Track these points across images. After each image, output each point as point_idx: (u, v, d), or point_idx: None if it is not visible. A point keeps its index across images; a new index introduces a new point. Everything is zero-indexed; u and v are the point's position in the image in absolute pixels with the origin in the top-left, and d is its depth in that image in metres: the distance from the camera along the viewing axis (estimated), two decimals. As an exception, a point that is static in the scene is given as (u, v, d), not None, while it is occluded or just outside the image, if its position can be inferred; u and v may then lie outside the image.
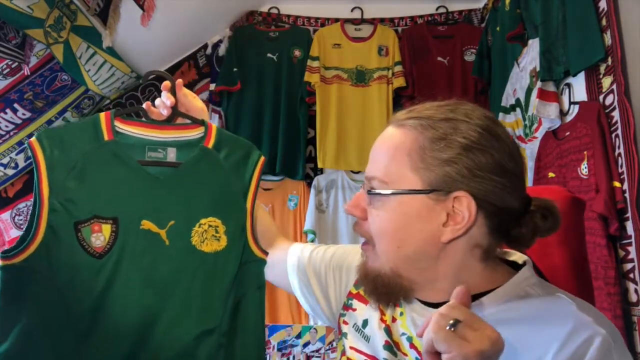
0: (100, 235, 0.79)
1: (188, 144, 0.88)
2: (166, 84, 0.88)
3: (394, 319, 0.73)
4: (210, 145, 0.88)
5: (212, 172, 0.87)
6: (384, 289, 0.69)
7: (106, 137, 0.83)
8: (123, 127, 0.85)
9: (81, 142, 0.81)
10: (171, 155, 0.86)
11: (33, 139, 0.79)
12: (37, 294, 0.76)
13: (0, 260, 0.75)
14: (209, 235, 0.85)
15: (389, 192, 0.66)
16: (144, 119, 0.88)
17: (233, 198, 0.88)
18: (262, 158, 0.92)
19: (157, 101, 0.88)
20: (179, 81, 0.90)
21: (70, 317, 0.77)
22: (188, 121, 0.90)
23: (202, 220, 0.85)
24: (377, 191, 0.67)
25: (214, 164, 0.88)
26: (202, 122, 0.89)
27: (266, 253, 0.90)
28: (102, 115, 0.84)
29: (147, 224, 0.82)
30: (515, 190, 0.66)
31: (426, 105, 0.69)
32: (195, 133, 0.89)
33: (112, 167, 0.82)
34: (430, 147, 0.64)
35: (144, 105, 0.89)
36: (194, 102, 0.93)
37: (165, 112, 0.87)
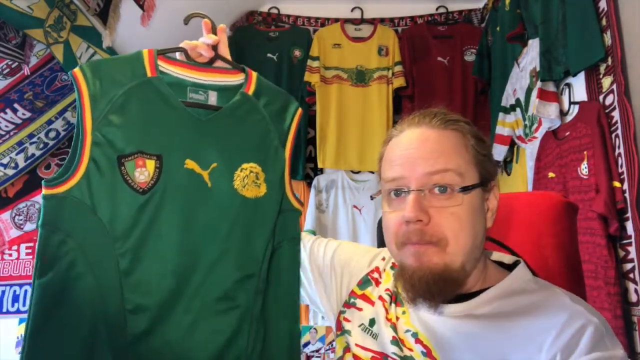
0: (144, 170, 0.78)
1: (228, 88, 0.87)
2: (206, 22, 0.86)
3: (397, 318, 0.75)
4: (251, 92, 0.87)
5: (253, 118, 0.87)
6: (445, 285, 0.68)
7: (149, 74, 0.81)
8: (166, 66, 0.83)
9: (124, 77, 0.80)
10: (212, 98, 0.85)
11: (76, 69, 0.77)
12: (80, 227, 0.75)
13: (44, 189, 0.74)
14: (249, 181, 0.84)
15: (470, 185, 0.69)
16: (185, 59, 0.86)
17: (272, 146, 0.87)
18: (300, 110, 0.93)
19: (197, 42, 0.86)
20: (222, 26, 0.88)
21: (112, 253, 0.75)
22: (228, 66, 0.88)
23: (244, 165, 0.84)
24: (466, 185, 0.69)
25: (254, 111, 0.87)
26: (242, 69, 0.89)
27: (302, 204, 0.90)
28: (146, 51, 0.83)
29: (190, 164, 0.81)
30: None
31: (445, 110, 0.76)
32: (236, 79, 0.88)
33: (156, 103, 0.80)
34: (477, 145, 0.72)
35: (185, 45, 0.86)
36: (229, 55, 0.91)
37: (207, 54, 0.86)
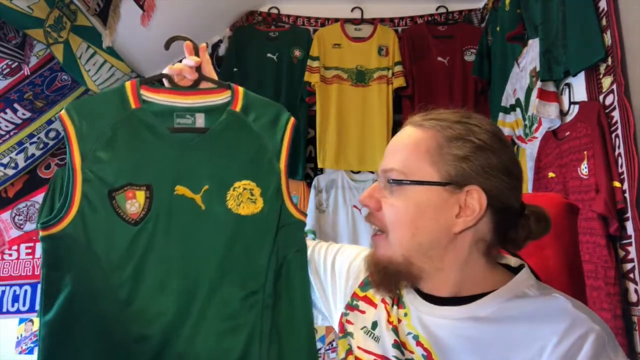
0: (134, 202, 0.79)
1: (215, 108, 0.87)
2: (188, 44, 0.87)
3: (399, 320, 0.75)
4: (238, 108, 0.88)
5: (242, 135, 0.87)
6: (394, 277, 0.72)
7: (133, 105, 0.82)
8: (149, 95, 0.84)
9: (109, 112, 0.82)
10: (199, 120, 0.86)
11: (63, 111, 0.80)
12: (78, 262, 0.77)
13: (40, 232, 0.76)
14: (244, 198, 0.84)
15: (408, 181, 0.70)
16: (169, 85, 0.87)
17: (266, 160, 0.87)
18: (292, 119, 0.91)
19: (180, 65, 0.86)
20: (203, 45, 0.88)
21: (110, 284, 0.77)
22: (213, 85, 0.88)
23: (236, 184, 0.84)
24: (400, 179, 0.70)
25: (243, 127, 0.87)
26: (227, 86, 0.89)
27: (305, 215, 0.89)
28: (128, 83, 0.84)
29: (181, 190, 0.82)
30: (518, 193, 0.72)
31: (440, 110, 0.75)
32: (221, 97, 0.88)
33: (142, 134, 0.82)
34: (447, 145, 0.69)
35: (167, 70, 0.87)
36: (213, 73, 0.91)
37: (190, 77, 0.86)
